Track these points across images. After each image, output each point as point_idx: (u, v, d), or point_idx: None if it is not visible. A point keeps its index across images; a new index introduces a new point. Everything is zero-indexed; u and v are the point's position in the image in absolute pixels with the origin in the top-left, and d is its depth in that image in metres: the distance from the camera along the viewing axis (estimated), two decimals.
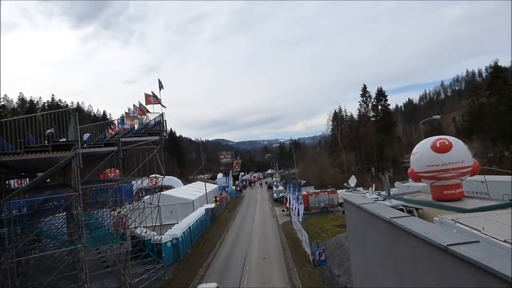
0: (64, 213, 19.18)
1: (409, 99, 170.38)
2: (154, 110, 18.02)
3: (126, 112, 18.41)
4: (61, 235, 17.32)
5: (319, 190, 38.05)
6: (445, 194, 15.21)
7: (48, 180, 18.62)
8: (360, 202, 4.84)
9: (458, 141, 15.32)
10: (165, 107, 18.13)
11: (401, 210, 12.80)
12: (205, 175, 76.50)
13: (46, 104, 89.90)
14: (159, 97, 18.13)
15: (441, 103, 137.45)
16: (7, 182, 16.77)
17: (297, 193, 27.55)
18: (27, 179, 18.25)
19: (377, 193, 32.00)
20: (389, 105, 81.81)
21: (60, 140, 12.62)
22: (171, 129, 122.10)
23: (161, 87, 18.42)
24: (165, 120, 17.74)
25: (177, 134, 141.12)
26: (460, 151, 14.70)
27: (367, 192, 33.97)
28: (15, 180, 18.74)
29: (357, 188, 40.81)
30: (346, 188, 41.08)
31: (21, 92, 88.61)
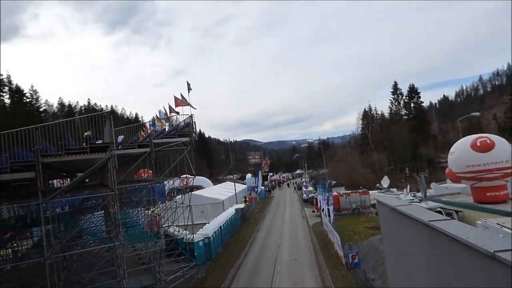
0: (102, 211, 20.16)
1: (444, 95, 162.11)
2: (183, 112, 18.42)
3: (156, 116, 19.03)
4: (100, 233, 18.21)
5: (350, 191, 37.18)
6: (488, 196, 14.31)
7: (87, 180, 19.66)
8: (395, 204, 4.67)
9: (501, 139, 14.35)
10: (195, 108, 18.57)
11: (439, 212, 12.20)
12: (234, 175, 77.40)
13: (82, 108, 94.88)
14: (188, 99, 18.59)
15: (480, 99, 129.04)
16: (50, 182, 17.90)
17: (327, 194, 27.10)
18: (68, 179, 19.41)
19: (412, 195, 30.70)
20: (422, 102, 78.44)
21: (97, 142, 13.26)
22: (200, 130, 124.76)
23: (189, 89, 18.88)
24: (194, 122, 18.13)
25: (206, 135, 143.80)
26: (503, 150, 13.76)
27: (401, 193, 32.69)
28: (57, 180, 19.99)
29: (391, 189, 39.39)
30: (379, 189, 39.78)
31: (60, 97, 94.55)
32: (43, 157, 11.18)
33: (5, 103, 68.37)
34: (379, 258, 17.03)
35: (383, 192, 36.46)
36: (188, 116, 18.05)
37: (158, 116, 18.77)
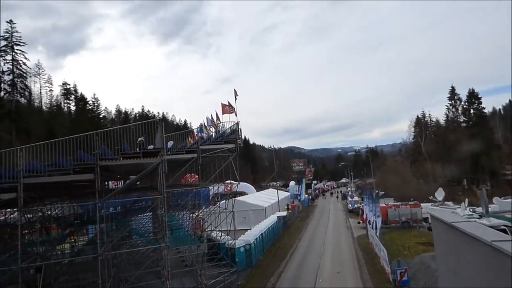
0: (150, 213, 21.27)
1: (510, 100, 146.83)
2: (230, 119, 18.85)
3: (204, 124, 19.72)
4: (148, 234, 19.19)
5: (399, 203, 35.11)
6: None
7: (138, 183, 20.91)
8: (452, 220, 4.30)
9: None
10: (236, 117, 18.97)
11: (503, 231, 11.03)
12: (278, 182, 77.17)
13: (137, 115, 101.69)
14: (234, 106, 19.03)
15: None
16: (106, 183, 19.35)
17: (374, 205, 25.88)
18: (122, 181, 20.82)
19: (471, 210, 28.12)
20: (483, 108, 71.90)
21: (149, 147, 14.08)
22: (245, 137, 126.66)
23: (236, 96, 19.32)
24: (240, 129, 18.48)
25: (251, 142, 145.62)
26: None
27: (458, 208, 30.05)
28: (112, 181, 21.55)
29: (446, 203, 36.43)
30: (433, 202, 37.00)
31: (117, 104, 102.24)
32: (101, 161, 12.12)
33: (71, 110, 75.81)
34: (431, 277, 15.76)
35: (438, 206, 33.88)
36: (234, 123, 18.45)
37: (206, 123, 19.44)
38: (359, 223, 36.23)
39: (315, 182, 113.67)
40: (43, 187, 13.11)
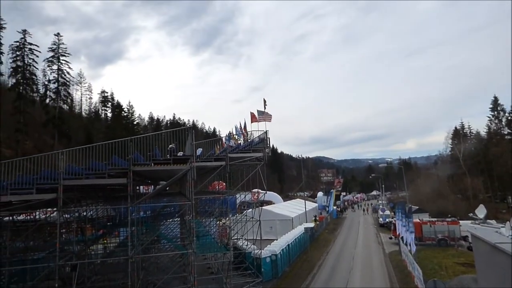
0: (178, 218, 21.67)
1: None
2: (259, 128, 18.95)
3: (233, 132, 19.96)
4: (175, 239, 19.53)
5: (435, 219, 33.29)
6: None
7: (167, 188, 21.44)
8: (496, 241, 4.00)
9: None
10: (270, 121, 19.02)
11: None
12: (305, 192, 76.09)
13: (168, 122, 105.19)
14: (263, 115, 19.13)
15: None
16: (137, 187, 20.02)
17: (407, 220, 24.69)
18: (152, 186, 21.44)
19: None
20: None
21: (178, 154, 14.42)
22: (273, 145, 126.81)
23: (265, 105, 19.44)
24: (269, 138, 18.49)
25: (279, 151, 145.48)
26: None
27: (502, 227, 28.04)
28: (143, 186, 22.26)
29: (488, 221, 34.08)
30: (472, 220, 34.75)
31: (150, 112, 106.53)
32: (134, 166, 12.57)
33: (108, 116, 79.82)
34: None
35: (479, 224, 31.77)
36: (263, 132, 18.51)
37: (234, 132, 19.67)
38: (391, 238, 34.74)
39: (344, 193, 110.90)
40: (80, 189, 13.79)
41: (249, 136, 19.61)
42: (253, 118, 19.26)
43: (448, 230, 30.05)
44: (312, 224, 37.65)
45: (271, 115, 19.09)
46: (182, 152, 14.78)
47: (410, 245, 22.17)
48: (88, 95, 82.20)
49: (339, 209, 71.78)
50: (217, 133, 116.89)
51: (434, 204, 53.64)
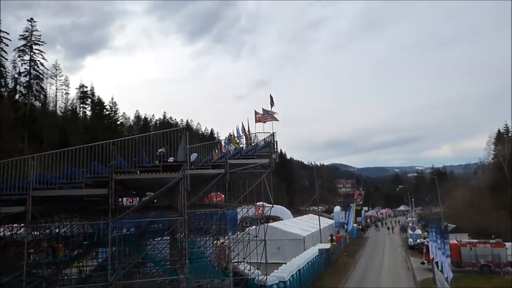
0: (168, 237, 21.58)
1: None
2: (264, 129, 18.87)
3: (234, 134, 19.92)
4: (164, 262, 19.43)
5: (476, 240, 32.91)
6: None
7: (155, 201, 21.40)
8: None
9: None
10: (277, 120, 18.97)
11: None
12: (319, 207, 75.79)
13: (158, 122, 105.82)
14: (270, 114, 19.07)
15: None
16: (120, 200, 20.00)
17: (442, 241, 24.41)
18: (137, 198, 21.42)
19: None
20: None
21: (169, 160, 14.37)
22: (281, 150, 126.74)
23: (272, 103, 19.38)
24: (276, 141, 18.37)
25: (288, 157, 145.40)
26: None
27: None
28: (126, 198, 22.25)
29: None
30: None
31: (137, 110, 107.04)
32: (116, 174, 12.54)
33: (87, 115, 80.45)
34: None
35: None
36: (269, 134, 18.40)
37: (235, 134, 19.62)
38: (423, 263, 34.37)
39: (365, 208, 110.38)
40: (53, 202, 13.78)
41: (253, 139, 19.54)
42: (258, 118, 19.21)
43: (492, 254, 29.65)
44: (328, 245, 37.40)
45: (276, 114, 18.99)
46: (173, 158, 14.74)
47: (446, 271, 21.89)
48: (65, 90, 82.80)
49: (360, 227, 71.37)
50: (215, 136, 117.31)
51: (475, 222, 53.10)
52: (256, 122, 19.34)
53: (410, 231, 54.41)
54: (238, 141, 19.69)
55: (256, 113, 19.33)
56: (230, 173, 17.18)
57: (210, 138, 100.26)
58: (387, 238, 61.77)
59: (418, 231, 52.64)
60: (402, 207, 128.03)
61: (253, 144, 19.27)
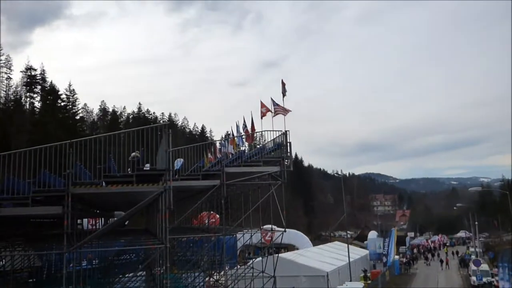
0: (143, 272, 21.59)
1: None
2: (273, 127, 18.80)
3: (232, 132, 19.92)
4: None
5: None
6: None
7: (126, 223, 21.43)
8: None
9: None
10: (289, 111, 18.92)
11: None
12: (348, 232, 75.57)
13: (130, 117, 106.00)
14: (280, 107, 19.04)
15: None
16: (79, 221, 19.96)
17: None
18: (102, 219, 21.44)
19: None
20: None
21: (145, 167, 14.34)
22: (296, 155, 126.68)
23: (284, 92, 19.30)
24: (290, 142, 18.29)
25: (305, 164, 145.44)
26: None
27: None
28: (88, 220, 22.25)
29: None
30: None
31: (103, 101, 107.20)
32: (74, 186, 12.46)
33: (35, 107, 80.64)
34: None
35: None
36: (280, 132, 18.32)
37: (235, 133, 19.62)
38: None
39: (411, 234, 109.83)
40: None
41: (258, 139, 19.53)
42: (265, 111, 19.18)
43: None
44: (360, 285, 37.31)
45: (289, 106, 18.97)
46: (149, 165, 14.73)
47: None
48: (6, 73, 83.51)
49: (404, 259, 71.11)
50: (208, 135, 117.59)
51: None
52: (262, 116, 19.29)
53: (473, 266, 54.11)
54: (238, 142, 19.69)
55: (262, 105, 19.28)
56: (227, 185, 17.13)
57: (200, 139, 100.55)
58: (442, 275, 61.47)
59: (484, 266, 52.28)
60: (461, 233, 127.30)
61: (258, 146, 19.25)
